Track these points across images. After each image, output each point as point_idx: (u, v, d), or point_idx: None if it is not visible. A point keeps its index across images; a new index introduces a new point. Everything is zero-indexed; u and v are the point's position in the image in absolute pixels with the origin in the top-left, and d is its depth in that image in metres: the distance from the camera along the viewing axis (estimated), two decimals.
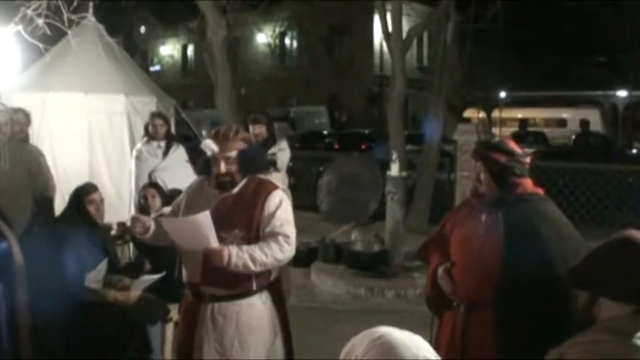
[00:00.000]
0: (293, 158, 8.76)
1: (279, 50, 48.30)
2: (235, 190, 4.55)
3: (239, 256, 4.28)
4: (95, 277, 6.02)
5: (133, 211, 9.04)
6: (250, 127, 8.25)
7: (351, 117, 41.52)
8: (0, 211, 5.53)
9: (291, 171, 8.79)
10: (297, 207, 9.34)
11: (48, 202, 6.85)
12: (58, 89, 10.48)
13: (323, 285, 10.18)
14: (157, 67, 54.70)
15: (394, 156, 10.38)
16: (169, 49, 56.21)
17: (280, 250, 4.38)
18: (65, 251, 5.91)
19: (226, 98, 14.00)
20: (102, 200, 6.45)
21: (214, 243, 4.30)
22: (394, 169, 10.26)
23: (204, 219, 4.30)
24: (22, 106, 8.38)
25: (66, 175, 9.77)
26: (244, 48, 44.15)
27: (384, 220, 10.58)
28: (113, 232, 7.40)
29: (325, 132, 33.12)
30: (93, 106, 10.51)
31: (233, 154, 4.49)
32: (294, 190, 9.02)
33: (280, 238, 4.39)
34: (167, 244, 4.73)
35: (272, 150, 8.27)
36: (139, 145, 9.37)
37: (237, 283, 4.46)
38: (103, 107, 10.57)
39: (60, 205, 7.21)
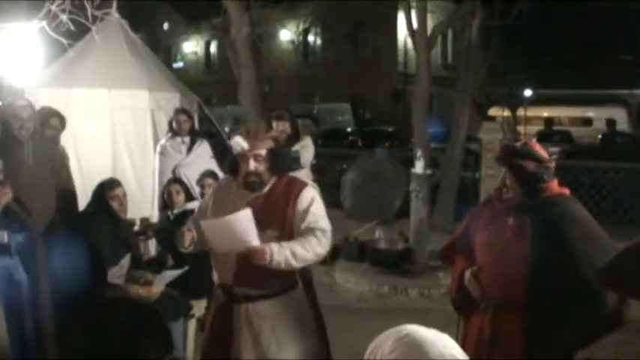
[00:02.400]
0: (316, 155, 8.73)
1: (302, 47, 48.29)
2: (265, 189, 4.55)
3: (280, 252, 4.26)
4: (118, 272, 6.06)
5: (156, 207, 9.07)
6: (274, 124, 8.25)
7: (374, 114, 41.42)
8: (21, 203, 5.59)
9: (314, 168, 8.75)
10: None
11: (71, 196, 6.86)
12: (81, 85, 10.51)
13: (346, 283, 10.16)
14: (180, 64, 54.87)
15: (418, 154, 10.34)
16: (192, 46, 56.34)
17: (319, 244, 4.39)
18: (88, 246, 5.92)
19: (250, 95, 13.99)
20: (125, 195, 6.48)
21: (255, 241, 4.26)
22: (418, 167, 10.23)
23: (246, 217, 4.27)
24: (46, 103, 8.39)
25: (89, 171, 9.80)
26: (268, 45, 44.12)
27: (408, 217, 10.55)
28: (136, 228, 7.42)
29: (349, 129, 33.08)
30: (116, 101, 10.53)
31: (263, 152, 4.49)
32: (317, 187, 9.00)
33: (318, 233, 4.39)
34: (206, 249, 4.68)
35: (295, 147, 8.25)
36: (162, 141, 9.40)
37: (271, 283, 4.46)
38: (126, 103, 10.59)
39: (83, 200, 7.24)
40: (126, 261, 6.10)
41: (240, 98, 14.17)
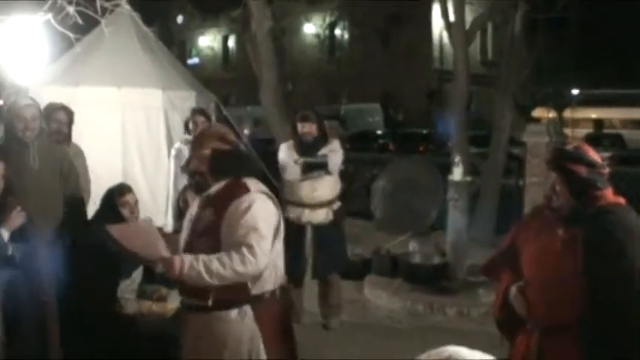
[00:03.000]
0: (344, 160, 8.74)
1: (328, 42, 48.39)
2: (211, 192, 4.66)
3: (192, 267, 4.29)
4: (129, 286, 6.09)
5: (170, 216, 9.11)
6: (299, 126, 8.30)
7: (407, 115, 41.43)
8: (27, 213, 5.64)
9: (342, 174, 8.76)
10: (348, 214, 9.42)
11: (79, 204, 6.88)
12: (89, 82, 10.60)
13: (377, 300, 10.13)
14: (195, 60, 55.15)
15: (457, 159, 10.31)
16: (209, 41, 56.63)
17: (242, 261, 4.32)
18: (96, 257, 5.95)
19: (271, 94, 14.01)
20: (136, 202, 6.51)
21: (164, 251, 4.37)
22: (457, 174, 10.18)
23: (148, 225, 4.51)
24: (55, 101, 8.43)
25: (97, 176, 9.85)
26: (291, 39, 44.27)
27: (445, 229, 10.51)
28: None
29: (379, 132, 33.15)
30: (127, 101, 10.61)
31: (205, 152, 4.63)
32: (345, 195, 8.99)
33: (243, 249, 4.33)
34: None
35: (323, 151, 8.30)
36: (178, 144, 9.44)
37: (207, 294, 4.45)
38: (138, 102, 10.67)
39: (90, 207, 7.28)
40: (138, 274, 6.12)
41: (261, 98, 14.20)
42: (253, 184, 4.60)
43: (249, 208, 4.44)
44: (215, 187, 4.62)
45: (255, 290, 4.51)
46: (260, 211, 4.47)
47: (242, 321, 4.48)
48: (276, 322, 4.67)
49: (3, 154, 5.90)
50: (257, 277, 4.48)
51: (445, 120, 16.98)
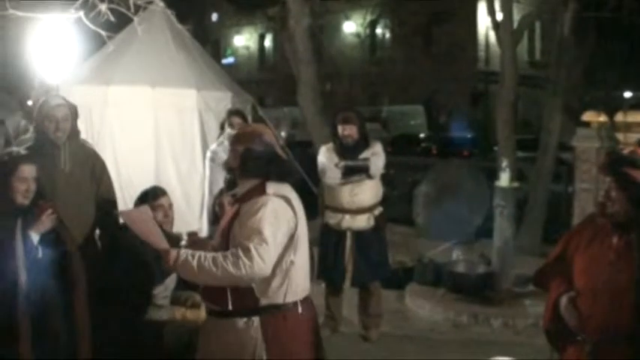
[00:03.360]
0: (386, 164, 8.72)
1: (369, 41, 48.29)
2: (238, 192, 4.80)
3: (186, 261, 4.41)
4: (162, 292, 6.11)
5: (205, 221, 9.13)
6: (339, 128, 8.31)
7: (451, 118, 41.25)
8: (57, 215, 5.68)
9: (384, 179, 8.74)
10: (390, 220, 9.40)
11: (111, 207, 6.90)
12: (121, 82, 10.66)
13: (419, 310, 10.11)
14: (230, 60, 55.23)
15: (503, 164, 10.26)
16: (245, 39, 56.73)
17: (234, 263, 4.31)
18: (129, 263, 5.98)
19: (310, 95, 14.02)
20: (171, 206, 6.51)
21: (163, 243, 4.58)
22: (503, 179, 10.14)
23: (143, 214, 4.75)
24: (82, 101, 8.44)
25: (129, 178, 9.93)
26: (330, 38, 44.29)
27: (491, 237, 10.45)
28: (183, 243, 7.45)
29: (422, 135, 33.06)
30: (160, 101, 10.66)
31: (240, 148, 4.73)
32: (387, 200, 8.98)
33: (239, 251, 4.34)
34: None
35: (364, 154, 8.30)
36: (214, 146, 9.44)
37: (215, 299, 4.57)
38: (171, 103, 10.71)
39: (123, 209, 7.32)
40: (172, 280, 6.14)
41: (299, 98, 14.22)
42: (274, 187, 4.61)
43: (258, 210, 4.46)
44: (242, 188, 4.72)
45: (264, 301, 4.51)
46: (269, 214, 4.46)
47: (248, 330, 4.50)
48: (290, 336, 4.60)
49: (34, 156, 5.95)
50: (265, 288, 4.48)
51: (491, 123, 16.93)
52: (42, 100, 6.87)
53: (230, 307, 4.49)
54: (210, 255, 4.39)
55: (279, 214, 4.51)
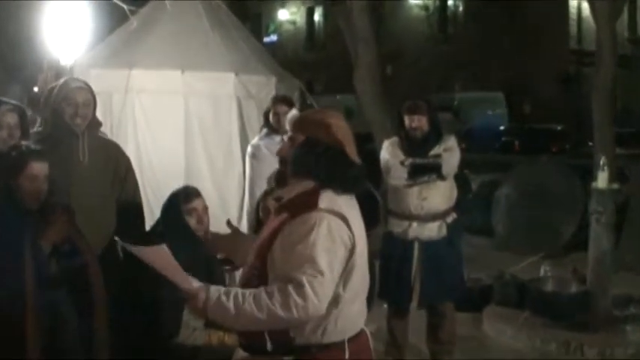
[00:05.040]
0: (460, 163, 8.68)
1: (439, 15, 48.24)
2: (285, 194, 4.55)
3: (220, 303, 4.13)
4: None
5: (244, 227, 9.18)
6: (406, 119, 8.29)
7: (537, 107, 41.05)
8: (73, 221, 5.74)
9: (457, 180, 8.71)
10: (465, 229, 9.40)
11: (136, 211, 6.96)
12: (146, 65, 10.73)
13: (499, 336, 10.11)
14: (273, 37, 55.41)
15: (601, 162, 10.21)
16: (290, 14, 56.87)
17: (284, 305, 4.04)
18: (157, 277, 6.03)
19: (368, 79, 14.01)
20: (205, 209, 6.49)
21: (186, 281, 4.28)
22: (601, 180, 10.07)
23: (160, 251, 4.37)
24: (100, 87, 8.49)
25: (155, 178, 10.01)
26: (392, 12, 44.26)
27: (585, 250, 10.41)
28: (219, 254, 7.51)
29: (502, 127, 32.95)
30: (192, 87, 10.73)
31: (299, 137, 4.48)
32: (461, 205, 8.96)
33: (290, 287, 4.04)
34: None
35: (435, 150, 8.29)
36: (255, 140, 9.48)
37: (252, 336, 4.34)
38: (205, 89, 10.78)
39: (148, 216, 7.37)
40: None
41: (356, 84, 14.23)
42: (329, 199, 4.31)
43: (309, 231, 4.15)
44: (291, 190, 4.48)
45: (299, 340, 4.26)
46: (324, 238, 4.16)
47: None
48: None
49: (45, 151, 5.88)
50: (301, 327, 4.21)
51: (585, 112, 16.83)
52: (60, 82, 6.87)
53: (268, 346, 4.26)
54: (249, 293, 4.10)
55: (335, 237, 4.20)
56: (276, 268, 4.20)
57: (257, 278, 4.27)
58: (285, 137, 4.81)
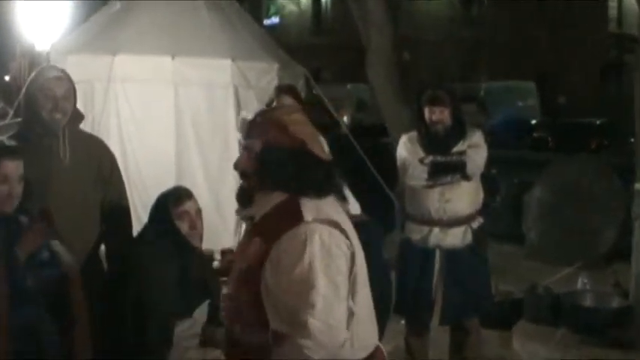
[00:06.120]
0: (487, 161, 8.64)
1: None
2: (255, 212, 4.43)
3: None
4: (189, 330, 6.14)
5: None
6: (426, 111, 8.22)
7: (573, 98, 41.03)
8: (53, 228, 5.73)
9: (484, 180, 8.66)
10: (491, 236, 9.38)
11: (122, 215, 6.94)
12: (131, 50, 10.76)
13: (532, 357, 10.08)
14: (274, 20, 55.41)
15: None
16: None
17: (298, 354, 4.01)
18: (144, 287, 6.04)
19: (383, 67, 14.00)
20: (199, 213, 6.45)
21: None
22: None
23: None
24: (80, 75, 8.48)
25: (141, 177, 10.03)
26: None
27: (628, 260, 10.41)
28: (216, 264, 7.51)
29: (533, 121, 32.86)
30: (183, 75, 10.75)
31: (257, 145, 4.35)
32: (488, 209, 8.94)
33: (297, 337, 4.01)
34: None
35: (458, 147, 8.25)
36: None
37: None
38: (198, 77, 10.80)
39: (134, 220, 7.34)
40: (202, 312, 6.18)
41: (369, 71, 14.23)
42: (312, 206, 4.23)
43: (302, 250, 4.06)
44: (262, 205, 4.36)
45: None
46: (319, 253, 4.08)
47: None
48: None
49: (19, 148, 5.79)
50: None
51: (627, 104, 16.82)
52: (35, 72, 6.71)
53: None
54: None
55: (332, 250, 4.12)
56: (275, 301, 4.11)
57: (251, 311, 4.21)
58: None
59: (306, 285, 4.00)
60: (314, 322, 3.97)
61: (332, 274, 4.06)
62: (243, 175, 4.41)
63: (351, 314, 4.18)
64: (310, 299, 3.98)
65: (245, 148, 4.41)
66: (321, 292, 4.00)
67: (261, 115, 4.53)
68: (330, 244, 4.10)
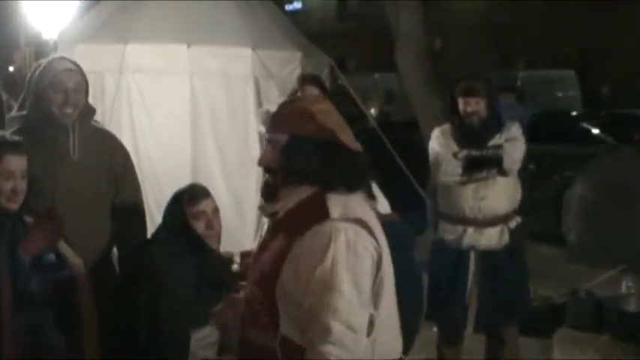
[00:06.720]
0: (525, 156, 8.60)
1: None
2: (280, 207, 4.38)
3: None
4: (208, 337, 6.14)
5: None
6: (460, 102, 8.21)
7: (618, 88, 40.85)
8: (60, 228, 5.71)
9: (522, 176, 8.61)
10: (530, 236, 9.35)
11: (136, 216, 6.92)
12: (144, 39, 10.76)
13: None
14: (297, 5, 55.41)
15: None
16: None
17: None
18: (158, 291, 6.03)
19: (413, 55, 14.01)
20: (216, 212, 6.42)
21: None
22: None
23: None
24: (90, 65, 8.44)
25: (156, 175, 10.03)
26: None
27: None
28: (235, 267, 7.50)
29: (575, 112, 32.76)
30: (200, 65, 10.75)
31: (282, 137, 4.32)
32: (526, 208, 8.91)
33: (318, 343, 3.97)
34: None
35: (495, 140, 8.24)
36: None
37: None
38: (215, 67, 10.79)
39: (148, 221, 7.34)
40: None
41: (398, 59, 14.23)
42: (340, 203, 4.18)
43: (325, 249, 4.02)
44: (286, 201, 4.31)
45: None
46: (344, 253, 4.04)
47: None
48: None
49: (25, 143, 5.72)
50: None
51: None
52: (44, 64, 6.61)
53: None
54: None
55: (358, 250, 4.07)
56: (291, 302, 4.10)
57: (266, 314, 4.18)
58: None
59: (328, 286, 3.96)
60: (337, 326, 3.93)
61: (357, 277, 4.02)
62: (267, 169, 4.38)
63: (371, 321, 4.13)
64: (332, 302, 3.94)
65: (269, 142, 4.38)
66: (345, 295, 3.96)
67: (285, 105, 4.54)
68: (356, 244, 4.04)
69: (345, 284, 3.96)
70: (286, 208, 4.29)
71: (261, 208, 4.95)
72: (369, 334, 4.10)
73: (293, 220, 4.20)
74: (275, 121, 4.41)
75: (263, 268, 4.24)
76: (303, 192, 4.23)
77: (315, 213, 4.11)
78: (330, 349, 3.92)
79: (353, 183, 4.24)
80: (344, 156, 4.23)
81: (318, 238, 4.02)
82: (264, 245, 4.39)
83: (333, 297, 3.94)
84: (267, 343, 4.17)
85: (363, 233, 4.10)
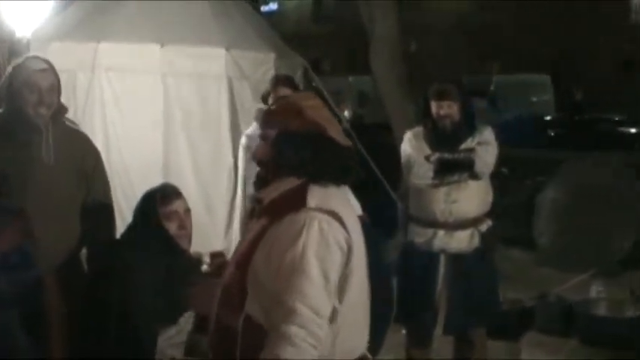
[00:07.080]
0: (497, 160, 8.62)
1: None
2: (266, 196, 4.54)
3: None
4: (176, 337, 6.14)
5: (235, 235, 9.16)
6: (433, 105, 8.23)
7: (591, 93, 40.97)
8: (29, 227, 5.70)
9: (495, 179, 8.63)
10: (501, 240, 9.37)
11: (106, 216, 6.91)
12: (117, 37, 10.73)
13: None
14: (272, 6, 55.42)
15: None
16: None
17: (285, 347, 4.03)
18: (127, 292, 6.03)
19: (387, 57, 14.03)
20: (187, 212, 6.42)
21: None
22: None
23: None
24: (62, 64, 8.39)
25: (127, 174, 10.00)
26: None
27: None
28: (204, 267, 7.51)
29: (548, 117, 32.86)
30: (173, 65, 10.73)
31: (273, 133, 4.50)
32: (497, 211, 8.93)
33: (282, 322, 4.07)
34: None
35: (467, 144, 8.25)
36: (250, 129, 9.41)
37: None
38: (189, 67, 10.78)
39: (118, 221, 7.33)
40: (187, 320, 6.17)
41: (372, 62, 14.26)
42: (319, 195, 4.35)
43: (298, 235, 4.16)
44: (273, 190, 4.48)
45: None
46: (316, 242, 4.17)
47: None
48: None
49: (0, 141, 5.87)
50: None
51: None
52: (17, 63, 6.60)
53: None
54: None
55: (329, 241, 4.19)
56: (258, 283, 4.23)
57: (237, 295, 4.29)
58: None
59: (298, 271, 4.08)
60: (303, 309, 4.04)
61: (325, 265, 4.14)
62: (260, 163, 4.56)
63: (333, 312, 4.22)
64: (300, 285, 4.07)
65: (262, 137, 4.59)
66: (313, 280, 4.09)
67: (276, 102, 4.89)
68: (328, 234, 4.18)
69: (314, 269, 4.09)
70: (271, 197, 4.46)
71: (250, 197, 5.02)
72: (330, 322, 4.19)
73: (274, 208, 4.39)
74: (266, 117, 4.62)
75: (241, 251, 4.46)
76: (289, 183, 4.41)
77: (294, 202, 4.29)
78: (294, 330, 4.02)
79: (339, 176, 4.45)
80: (332, 150, 4.40)
81: (292, 225, 4.19)
82: (248, 231, 4.64)
83: (302, 281, 4.07)
84: (233, 323, 4.27)
85: (335, 225, 4.23)
